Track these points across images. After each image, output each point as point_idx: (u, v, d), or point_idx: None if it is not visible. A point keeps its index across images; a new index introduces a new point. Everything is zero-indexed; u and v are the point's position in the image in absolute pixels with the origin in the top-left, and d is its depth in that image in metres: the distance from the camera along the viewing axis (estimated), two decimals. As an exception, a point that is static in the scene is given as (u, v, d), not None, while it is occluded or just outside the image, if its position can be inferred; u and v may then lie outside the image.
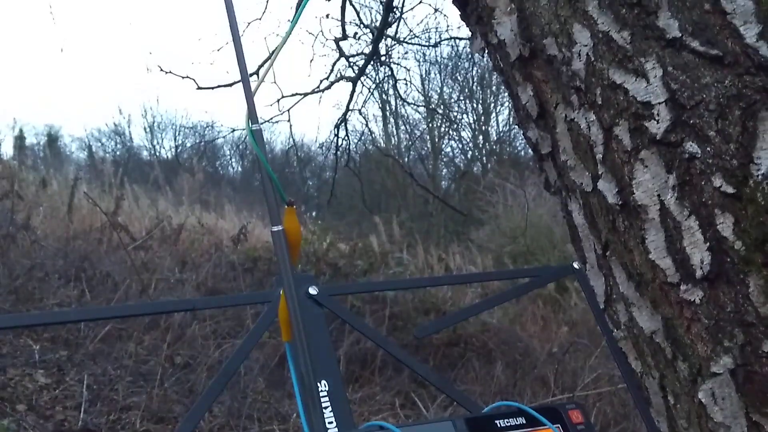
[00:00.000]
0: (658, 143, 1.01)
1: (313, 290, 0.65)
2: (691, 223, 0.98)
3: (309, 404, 0.57)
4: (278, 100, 6.21)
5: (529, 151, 1.36)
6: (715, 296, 0.97)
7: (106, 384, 3.79)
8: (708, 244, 0.97)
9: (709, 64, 0.98)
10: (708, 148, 0.97)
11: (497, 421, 0.59)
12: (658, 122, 1.01)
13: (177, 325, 4.50)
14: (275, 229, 0.57)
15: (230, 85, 5.63)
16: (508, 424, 0.59)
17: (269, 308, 0.60)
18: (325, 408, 0.59)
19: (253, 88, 0.64)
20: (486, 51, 1.36)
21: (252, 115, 0.57)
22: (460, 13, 1.40)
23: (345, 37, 6.13)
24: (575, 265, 0.78)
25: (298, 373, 0.55)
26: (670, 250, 1.01)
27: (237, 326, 4.67)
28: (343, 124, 6.50)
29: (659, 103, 1.01)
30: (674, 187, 1.00)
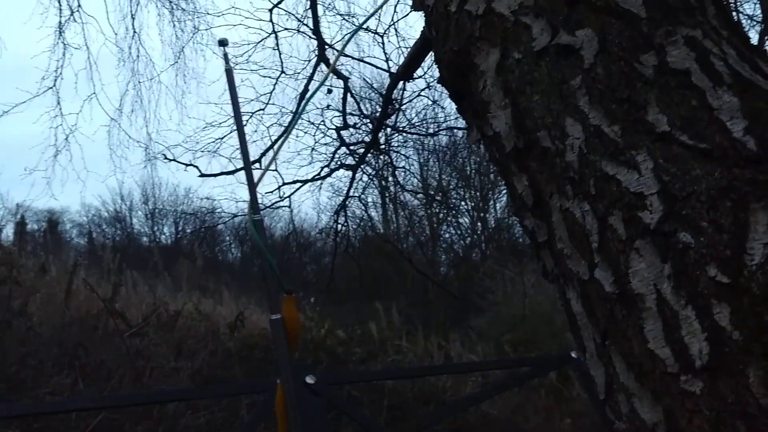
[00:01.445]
0: (652, 233, 1.03)
1: (310, 379, 0.65)
2: (688, 312, 0.99)
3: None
4: (279, 187, 6.30)
5: (527, 238, 1.38)
6: (715, 387, 0.96)
7: (96, 477, 3.66)
8: (706, 333, 0.97)
9: (699, 157, 1.01)
10: (701, 239, 0.98)
11: None
12: (651, 213, 1.03)
13: (170, 414, 4.39)
14: (274, 317, 0.57)
15: (233, 172, 5.73)
16: None
17: (266, 398, 0.59)
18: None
19: (255, 178, 0.65)
20: (482, 142, 1.40)
21: (254, 204, 0.59)
22: (456, 106, 1.45)
23: (346, 126, 6.29)
24: (573, 354, 0.78)
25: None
26: (668, 339, 1.01)
27: (231, 416, 4.55)
28: (342, 210, 6.57)
29: (651, 194, 1.03)
30: (670, 277, 1.01)
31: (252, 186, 0.55)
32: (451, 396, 6.13)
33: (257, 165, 6.05)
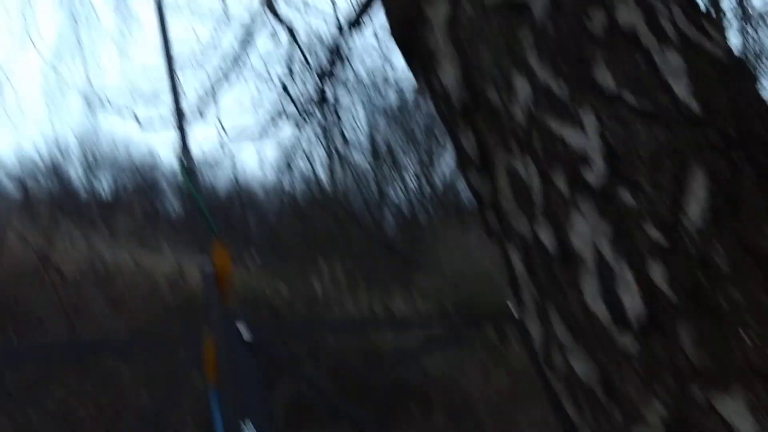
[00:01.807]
0: (594, 192, 1.03)
1: (245, 333, 0.62)
2: (625, 271, 1.00)
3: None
4: (221, 141, 6.16)
5: (472, 199, 1.38)
6: (648, 345, 0.98)
7: None
8: (642, 292, 0.98)
9: (643, 117, 1.01)
10: (641, 199, 0.99)
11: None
12: (594, 172, 1.03)
13: (106, 370, 4.32)
14: (204, 263, 0.54)
15: (172, 123, 5.56)
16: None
17: (197, 350, 0.57)
18: (252, 457, 0.56)
19: (186, 121, 0.61)
20: (430, 97, 1.38)
21: (185, 149, 0.55)
22: (404, 59, 1.42)
23: (291, 78, 6.16)
24: (513, 311, 0.78)
25: (224, 418, 0.53)
26: (605, 298, 1.02)
27: (168, 370, 4.51)
28: (287, 167, 6.48)
29: (595, 154, 1.03)
30: (609, 236, 1.02)
31: (182, 130, 0.51)
32: (392, 353, 6.21)
33: (191, 111, 5.89)
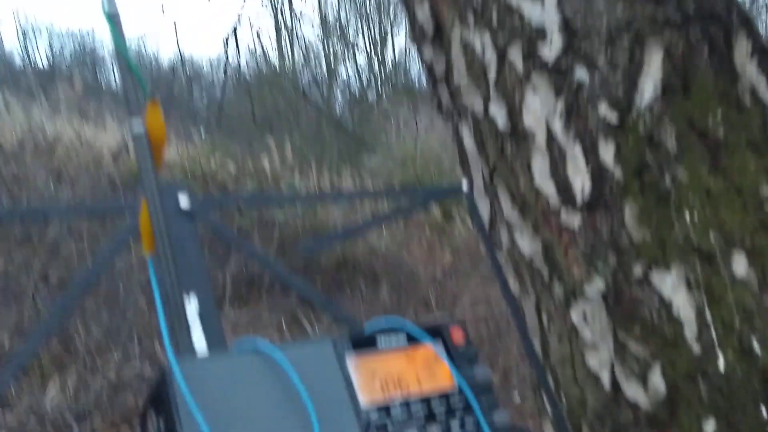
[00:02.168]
0: (549, 69, 1.01)
1: (183, 201, 0.60)
2: (575, 149, 1.00)
3: (174, 322, 0.53)
4: (162, 7, 5.83)
5: (423, 80, 1.33)
6: (592, 222, 1.00)
7: (-28, 302, 3.57)
8: (590, 171, 0.99)
9: (604, -10, 0.98)
10: (596, 76, 0.98)
11: (378, 338, 0.57)
12: (550, 48, 1.01)
13: (50, 241, 4.26)
14: (134, 123, 0.51)
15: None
16: (389, 341, 0.58)
17: (131, 218, 0.55)
18: (193, 326, 0.55)
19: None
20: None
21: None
22: None
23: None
24: (464, 186, 0.77)
25: (161, 289, 0.51)
26: (553, 176, 1.02)
27: (113, 242, 4.47)
28: (233, 38, 6.22)
29: (552, 28, 1.00)
30: (561, 114, 1.01)
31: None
32: (341, 230, 6.28)
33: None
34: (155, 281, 0.52)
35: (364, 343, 0.57)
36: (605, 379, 0.99)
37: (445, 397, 0.57)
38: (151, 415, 0.49)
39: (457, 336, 0.59)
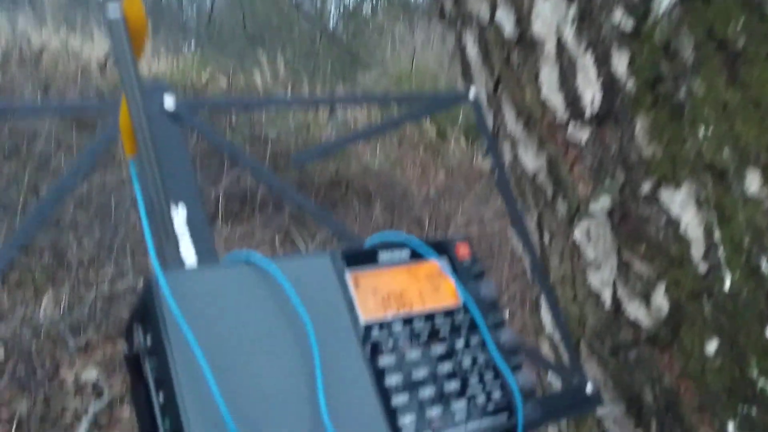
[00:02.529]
0: (563, -29, 0.94)
1: (169, 101, 0.55)
2: (586, 59, 0.94)
3: (160, 232, 0.50)
4: None
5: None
6: (601, 136, 0.95)
7: (-39, 215, 3.53)
8: (601, 81, 0.93)
9: None
10: (613, -20, 0.91)
11: (379, 254, 0.54)
12: (564, -53, 0.94)
13: (39, 154, 4.19)
14: (109, 8, 0.45)
15: None
16: (391, 256, 0.54)
17: (113, 120, 0.51)
18: (181, 238, 0.52)
19: None
20: None
21: None
22: None
23: None
24: (471, 93, 0.72)
25: (145, 196, 0.47)
26: (562, 87, 0.97)
27: (106, 158, 4.41)
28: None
29: (568, -74, 0.93)
30: (573, 20, 0.94)
31: None
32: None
33: None
34: (138, 187, 0.48)
35: (364, 258, 0.53)
36: (606, 298, 0.97)
37: (449, 314, 0.54)
38: (137, 330, 0.46)
39: (463, 251, 0.56)
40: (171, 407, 0.43)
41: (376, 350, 0.50)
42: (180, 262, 0.51)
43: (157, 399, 0.44)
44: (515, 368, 0.53)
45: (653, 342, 0.92)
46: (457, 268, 0.56)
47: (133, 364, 0.47)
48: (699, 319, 0.89)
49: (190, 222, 0.53)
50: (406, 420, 0.49)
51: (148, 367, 0.45)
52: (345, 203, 5.51)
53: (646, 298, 0.93)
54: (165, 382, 0.43)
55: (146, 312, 0.44)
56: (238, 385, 0.44)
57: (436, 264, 0.55)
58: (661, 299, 0.91)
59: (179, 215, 0.53)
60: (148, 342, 0.45)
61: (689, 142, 0.91)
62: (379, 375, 0.49)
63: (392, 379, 0.49)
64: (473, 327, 0.54)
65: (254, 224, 4.48)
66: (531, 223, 1.08)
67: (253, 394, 0.44)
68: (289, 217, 4.64)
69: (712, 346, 0.89)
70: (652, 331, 0.92)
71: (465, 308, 0.55)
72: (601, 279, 0.97)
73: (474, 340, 0.54)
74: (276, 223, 4.56)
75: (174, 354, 0.43)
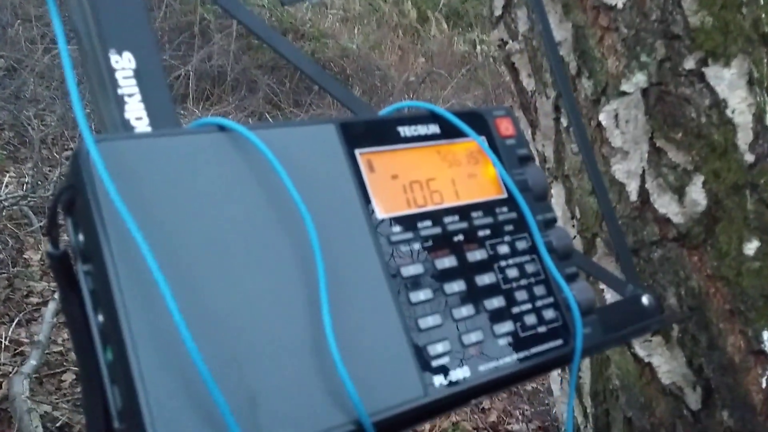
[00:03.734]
0: None
1: None
2: None
3: (95, 88, 0.36)
4: None
5: None
6: (640, 1, 0.80)
7: None
8: (647, -68, 0.78)
9: None
10: None
11: (400, 129, 0.40)
12: None
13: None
14: None
15: None
16: (416, 133, 0.41)
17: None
18: (130, 95, 0.37)
19: None
20: None
21: None
22: None
23: None
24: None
25: (79, 44, 0.34)
26: (598, -61, 0.81)
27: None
28: None
29: None
30: None
31: None
32: (310, 29, 5.91)
33: None
34: (57, 18, 0.33)
35: (380, 132, 0.40)
36: (632, 190, 0.85)
37: (490, 209, 0.42)
38: (66, 223, 0.33)
39: (506, 128, 0.43)
40: (113, 333, 0.30)
41: (397, 255, 0.38)
42: (126, 127, 0.38)
43: (96, 320, 0.32)
44: (570, 278, 0.42)
45: (683, 240, 0.82)
46: (498, 148, 0.43)
47: (62, 267, 0.34)
48: (739, 216, 0.79)
49: (141, 77, 0.39)
50: (438, 348, 0.37)
51: (81, 276, 0.32)
52: (321, 88, 5.27)
53: (679, 191, 0.81)
54: (104, 298, 0.30)
55: (75, 196, 0.31)
56: (208, 300, 0.32)
57: (474, 143, 0.42)
58: (697, 192, 0.80)
59: (123, 67, 0.38)
60: (80, 240, 0.32)
61: (746, 10, 0.77)
62: (400, 288, 0.37)
63: (419, 294, 0.38)
64: (520, 226, 0.42)
65: (227, 107, 4.26)
66: (547, 104, 0.95)
67: (229, 314, 0.32)
68: (263, 100, 4.43)
69: (751, 247, 0.78)
70: (683, 228, 0.81)
71: (509, 202, 0.42)
72: (628, 169, 0.85)
73: (521, 243, 0.41)
74: (250, 106, 4.34)
75: (115, 257, 0.30)
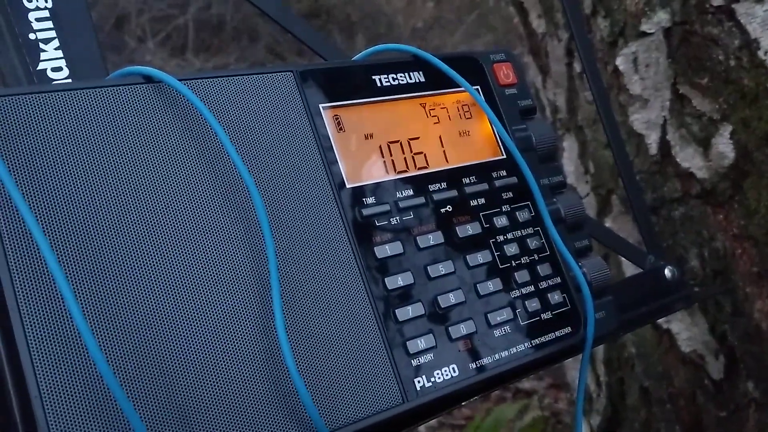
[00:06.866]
0: None
1: None
2: None
3: (2, 30, 0.29)
4: None
5: None
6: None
7: None
8: None
9: None
10: None
11: (376, 78, 0.33)
12: None
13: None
14: None
15: None
16: (396, 82, 0.33)
17: None
18: (46, 41, 0.30)
19: None
20: None
21: None
22: None
23: None
24: None
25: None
26: None
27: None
28: None
29: None
30: None
31: None
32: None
33: None
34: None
35: (351, 82, 0.33)
36: (652, 142, 0.77)
37: (486, 172, 0.35)
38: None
39: (505, 75, 0.35)
40: (2, 325, 0.25)
41: (370, 231, 0.31)
42: (40, 79, 0.31)
43: None
44: (581, 253, 0.35)
45: (708, 197, 0.75)
46: (496, 100, 0.36)
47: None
48: (771, 170, 0.71)
49: (60, 18, 0.31)
50: (420, 344, 0.30)
51: None
52: (326, 34, 5.14)
53: (704, 142, 0.74)
54: None
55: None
56: (118, 292, 0.25)
57: (466, 94, 0.35)
58: (724, 144, 0.72)
59: (38, 6, 0.31)
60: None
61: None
62: (375, 272, 0.31)
63: (397, 280, 0.31)
64: (521, 193, 0.35)
65: (228, 57, 4.14)
66: (558, 48, 0.87)
67: (147, 306, 0.26)
68: (266, 50, 4.30)
69: (784, 204, 0.71)
70: (708, 184, 0.74)
71: (509, 164, 0.35)
72: (648, 118, 0.77)
73: (522, 213, 0.34)
74: (252, 57, 4.22)
75: (4, 235, 0.24)
